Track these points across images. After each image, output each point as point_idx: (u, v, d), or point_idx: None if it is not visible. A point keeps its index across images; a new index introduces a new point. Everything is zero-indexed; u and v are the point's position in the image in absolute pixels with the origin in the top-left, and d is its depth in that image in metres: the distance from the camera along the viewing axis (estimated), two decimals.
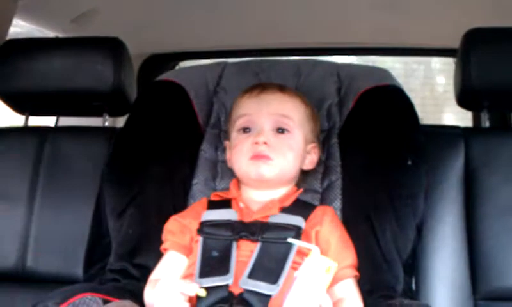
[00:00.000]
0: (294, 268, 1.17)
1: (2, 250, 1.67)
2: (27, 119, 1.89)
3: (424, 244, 1.48)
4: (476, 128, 2.06)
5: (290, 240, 1.19)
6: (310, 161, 1.40)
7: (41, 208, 1.69)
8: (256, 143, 1.31)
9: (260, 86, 1.41)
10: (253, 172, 1.31)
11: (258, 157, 1.31)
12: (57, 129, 1.89)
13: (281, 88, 1.41)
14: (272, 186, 1.34)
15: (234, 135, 1.38)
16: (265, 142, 1.31)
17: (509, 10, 2.00)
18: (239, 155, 1.34)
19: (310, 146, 1.40)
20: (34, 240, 1.66)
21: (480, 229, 1.50)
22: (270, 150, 1.31)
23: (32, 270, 1.66)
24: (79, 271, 1.57)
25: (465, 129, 1.64)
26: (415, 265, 1.41)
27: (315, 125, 1.43)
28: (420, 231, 1.38)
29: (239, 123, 1.37)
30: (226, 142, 1.44)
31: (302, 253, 1.20)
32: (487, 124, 1.71)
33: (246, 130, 1.36)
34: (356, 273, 1.26)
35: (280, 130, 1.34)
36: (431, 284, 1.49)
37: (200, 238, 1.26)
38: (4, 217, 1.70)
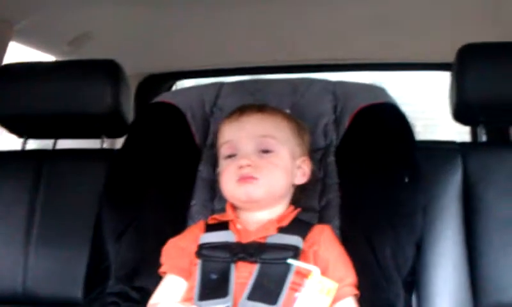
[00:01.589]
0: (293, 289, 1.18)
1: (1, 273, 1.67)
2: (25, 142, 1.90)
3: (424, 260, 1.48)
4: (473, 143, 2.06)
5: (290, 261, 1.19)
6: (302, 174, 1.40)
7: (40, 231, 1.69)
8: (241, 167, 1.31)
9: (240, 110, 1.41)
10: (241, 194, 1.32)
11: (243, 179, 1.31)
12: (54, 152, 1.89)
13: (260, 108, 1.41)
14: (264, 206, 1.34)
15: (221, 162, 1.39)
16: (249, 165, 1.31)
17: (504, 25, 2.02)
18: (226, 180, 1.34)
19: (300, 160, 1.40)
20: (33, 263, 1.66)
21: (480, 244, 1.50)
22: (255, 171, 1.31)
23: (32, 294, 1.65)
24: (78, 295, 1.57)
25: (462, 144, 1.64)
26: (414, 282, 1.41)
27: (303, 139, 1.43)
28: (419, 248, 1.38)
29: (223, 150, 1.38)
30: (217, 169, 1.44)
31: (301, 274, 1.20)
32: (484, 138, 1.71)
33: (230, 156, 1.36)
34: (356, 291, 1.26)
35: (264, 151, 1.34)
36: (432, 301, 1.48)
37: (199, 261, 1.26)
38: (3, 240, 1.70)
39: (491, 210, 1.51)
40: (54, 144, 1.94)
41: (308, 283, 1.13)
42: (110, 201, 1.51)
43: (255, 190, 1.31)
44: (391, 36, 2.26)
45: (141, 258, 1.40)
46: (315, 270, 1.14)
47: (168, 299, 1.25)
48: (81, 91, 1.77)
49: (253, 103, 1.48)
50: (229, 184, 1.34)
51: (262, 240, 1.27)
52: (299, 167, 1.39)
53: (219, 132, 1.43)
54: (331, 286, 1.14)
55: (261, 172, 1.31)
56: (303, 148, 1.42)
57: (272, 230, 1.29)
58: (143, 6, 2.09)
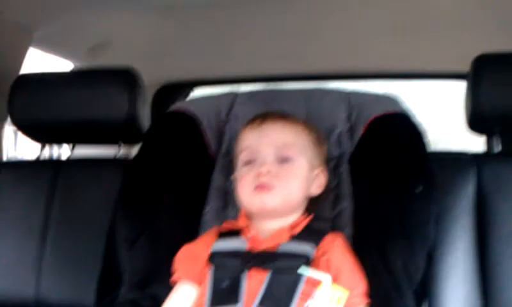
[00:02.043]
0: (304, 298, 1.18)
1: (15, 280, 1.70)
2: (42, 148, 1.93)
3: (436, 270, 1.48)
4: (487, 154, 2.05)
5: (301, 269, 1.19)
6: (318, 185, 1.40)
7: (55, 238, 1.71)
8: (260, 174, 1.32)
9: (261, 117, 1.42)
10: (256, 203, 1.32)
11: (261, 187, 1.31)
12: (70, 161, 1.92)
13: (283, 116, 1.41)
14: (278, 215, 1.34)
15: (239, 167, 1.40)
16: (268, 172, 1.31)
17: None
18: (243, 187, 1.35)
19: (317, 170, 1.40)
20: (48, 270, 1.68)
21: (493, 255, 1.49)
22: (273, 179, 1.31)
23: (45, 300, 1.67)
24: (91, 301, 1.59)
25: (476, 155, 1.63)
26: (426, 292, 1.41)
27: (321, 149, 1.43)
28: (430, 258, 1.38)
29: (243, 156, 1.39)
30: (233, 175, 1.45)
31: (312, 283, 1.20)
32: (499, 149, 1.71)
33: (249, 162, 1.37)
34: (367, 300, 1.26)
35: (283, 160, 1.35)
36: None
37: (210, 268, 1.27)
38: (19, 247, 1.73)
39: (505, 221, 1.50)
40: (72, 149, 1.97)
41: (318, 291, 1.13)
42: (124, 208, 1.52)
43: (271, 199, 1.31)
44: (405, 45, 2.26)
45: (154, 265, 1.41)
46: (325, 278, 1.15)
47: (179, 306, 1.26)
48: (98, 98, 1.79)
49: (276, 111, 1.49)
50: (245, 191, 1.34)
51: (274, 248, 1.28)
52: (315, 177, 1.40)
53: (239, 137, 1.43)
54: (341, 294, 1.15)
55: (279, 181, 1.32)
56: (320, 158, 1.42)
57: (285, 238, 1.29)
58: (161, 15, 2.11)
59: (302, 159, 1.37)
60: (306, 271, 1.18)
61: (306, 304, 1.13)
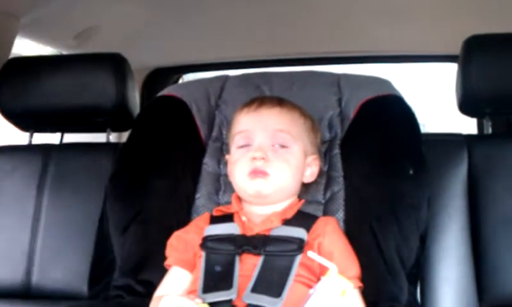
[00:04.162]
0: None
1: (7, 267, 1.69)
2: (31, 137, 1.90)
3: (429, 252, 1.48)
4: (479, 136, 2.06)
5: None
6: (311, 173, 1.40)
7: (47, 224, 1.70)
8: (254, 159, 1.31)
9: (259, 101, 1.41)
10: (251, 188, 1.31)
11: (255, 172, 1.30)
12: (61, 146, 1.90)
13: (280, 102, 1.40)
14: (272, 201, 1.33)
15: (233, 150, 1.39)
16: (263, 158, 1.31)
17: (510, 16, 2.00)
18: (238, 170, 1.34)
19: (311, 158, 1.40)
20: (40, 257, 1.67)
21: (485, 236, 1.49)
22: (267, 165, 1.31)
23: (38, 287, 1.66)
24: (84, 287, 1.58)
25: (468, 136, 1.63)
26: (419, 275, 1.41)
27: (315, 137, 1.43)
28: (423, 240, 1.37)
29: (238, 139, 1.38)
30: (227, 156, 1.44)
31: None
32: (490, 130, 1.71)
33: (244, 146, 1.36)
34: (360, 284, 1.25)
35: (278, 145, 1.34)
36: (436, 293, 1.48)
37: (203, 253, 1.26)
38: (10, 234, 1.72)
39: (497, 202, 1.50)
40: (61, 137, 1.96)
41: (323, 280, 1.11)
42: (115, 194, 1.51)
43: (266, 185, 1.31)
44: (396, 28, 2.26)
45: (146, 251, 1.41)
46: (332, 267, 1.12)
47: (172, 292, 1.25)
48: (87, 84, 1.78)
49: (273, 96, 1.47)
50: (240, 176, 1.34)
51: (267, 233, 1.27)
52: (309, 165, 1.39)
53: (235, 120, 1.42)
54: (346, 285, 1.12)
55: (273, 167, 1.31)
56: (314, 146, 1.42)
57: (277, 222, 1.29)
58: (150, 0, 2.09)
59: (297, 146, 1.36)
60: (315, 257, 1.15)
61: (310, 291, 1.11)
